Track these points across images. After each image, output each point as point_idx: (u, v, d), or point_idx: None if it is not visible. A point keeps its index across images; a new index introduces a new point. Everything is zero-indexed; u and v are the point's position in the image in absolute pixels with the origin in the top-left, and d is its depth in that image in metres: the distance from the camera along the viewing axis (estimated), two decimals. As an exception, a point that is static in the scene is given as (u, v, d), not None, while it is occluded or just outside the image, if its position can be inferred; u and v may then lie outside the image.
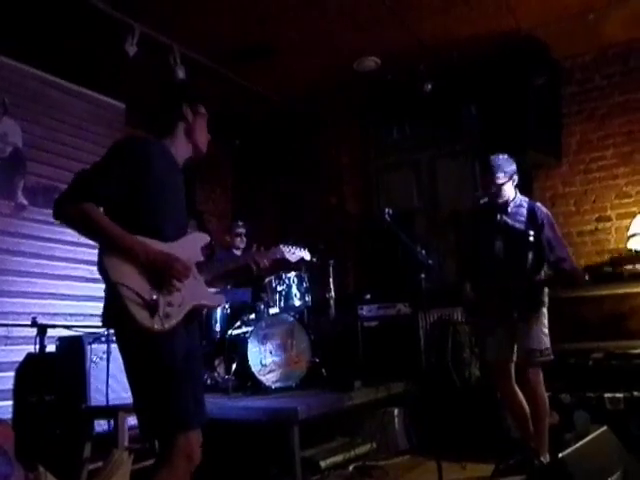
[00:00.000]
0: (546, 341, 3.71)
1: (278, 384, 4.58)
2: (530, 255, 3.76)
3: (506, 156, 3.90)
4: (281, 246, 2.83)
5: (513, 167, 3.87)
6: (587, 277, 3.76)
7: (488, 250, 3.86)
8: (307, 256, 2.99)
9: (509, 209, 3.85)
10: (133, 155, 2.21)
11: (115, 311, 2.08)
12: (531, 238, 3.75)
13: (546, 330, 3.73)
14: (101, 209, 2.15)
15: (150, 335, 2.04)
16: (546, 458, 3.58)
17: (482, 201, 4.03)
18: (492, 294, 3.80)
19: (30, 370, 3.72)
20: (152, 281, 2.10)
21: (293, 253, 2.90)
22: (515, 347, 3.77)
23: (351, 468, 4.24)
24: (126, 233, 2.10)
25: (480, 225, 4.00)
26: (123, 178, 2.15)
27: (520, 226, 3.80)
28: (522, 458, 3.73)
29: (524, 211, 3.84)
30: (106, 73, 5.13)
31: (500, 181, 3.82)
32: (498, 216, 3.85)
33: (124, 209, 2.16)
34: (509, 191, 3.87)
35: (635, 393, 3.86)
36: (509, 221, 3.84)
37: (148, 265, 2.09)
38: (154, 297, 2.06)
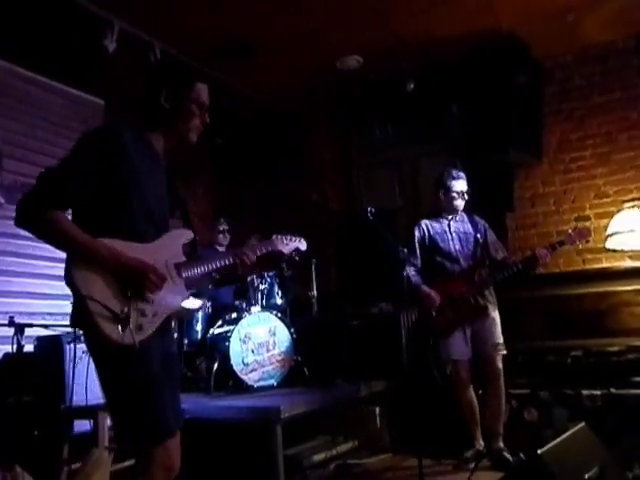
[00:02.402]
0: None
1: (260, 383, 4.57)
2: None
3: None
4: (274, 237, 2.66)
5: None
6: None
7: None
8: (303, 246, 2.77)
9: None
10: (102, 150, 2.02)
11: (84, 322, 1.97)
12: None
13: None
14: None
15: (122, 348, 1.93)
16: (499, 443, 3.91)
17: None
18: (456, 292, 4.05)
19: (7, 370, 3.67)
20: (124, 291, 1.98)
21: (287, 244, 2.70)
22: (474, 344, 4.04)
23: (333, 466, 4.25)
24: (95, 240, 1.96)
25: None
26: (92, 177, 1.99)
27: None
28: (476, 451, 3.98)
29: None
30: (85, 69, 5.04)
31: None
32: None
33: (95, 208, 2.02)
34: None
35: (612, 390, 3.91)
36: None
37: (118, 274, 1.96)
38: (125, 309, 1.95)
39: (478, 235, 4.25)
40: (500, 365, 4.00)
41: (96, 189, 2.00)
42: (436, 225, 4.28)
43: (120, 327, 1.92)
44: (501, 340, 4.03)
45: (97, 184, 2.00)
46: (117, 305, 1.95)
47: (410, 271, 4.09)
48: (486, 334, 4.03)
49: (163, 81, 2.24)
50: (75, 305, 2.00)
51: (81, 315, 1.95)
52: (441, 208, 4.32)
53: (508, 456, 3.82)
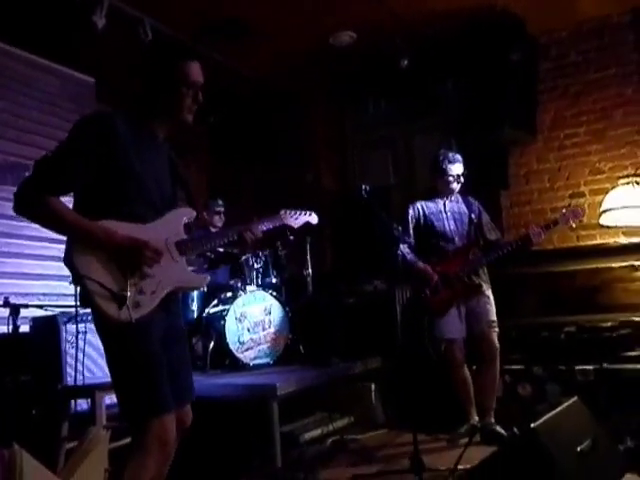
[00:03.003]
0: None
1: (256, 361, 4.60)
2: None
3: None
4: (282, 212, 2.63)
5: None
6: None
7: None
8: (314, 220, 2.73)
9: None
10: (95, 133, 2.06)
11: (86, 301, 2.05)
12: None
13: None
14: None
15: (120, 325, 2.01)
16: (491, 418, 3.97)
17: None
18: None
19: (4, 351, 3.68)
20: (121, 269, 2.04)
21: (296, 218, 2.66)
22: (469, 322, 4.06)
23: (329, 442, 4.29)
24: (91, 223, 2.02)
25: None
26: (88, 162, 2.03)
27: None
28: (471, 426, 4.02)
29: None
30: (74, 46, 4.96)
31: None
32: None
33: (93, 192, 2.07)
34: None
35: (605, 365, 3.95)
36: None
37: (115, 253, 2.03)
38: (122, 287, 2.01)
39: (472, 215, 4.26)
40: (496, 343, 4.03)
41: (93, 174, 2.05)
42: (431, 205, 4.28)
43: (117, 305, 1.99)
44: (495, 318, 4.06)
45: (94, 169, 2.05)
46: (114, 283, 2.02)
47: (404, 249, 4.09)
48: (481, 312, 4.05)
49: (151, 64, 2.26)
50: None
51: (84, 294, 2.03)
52: (436, 190, 4.32)
53: (500, 430, 3.87)
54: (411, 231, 4.24)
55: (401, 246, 4.01)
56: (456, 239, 4.18)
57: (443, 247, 4.16)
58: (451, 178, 4.22)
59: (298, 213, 2.67)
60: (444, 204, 4.28)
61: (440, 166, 4.22)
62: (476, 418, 4.05)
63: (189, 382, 2.34)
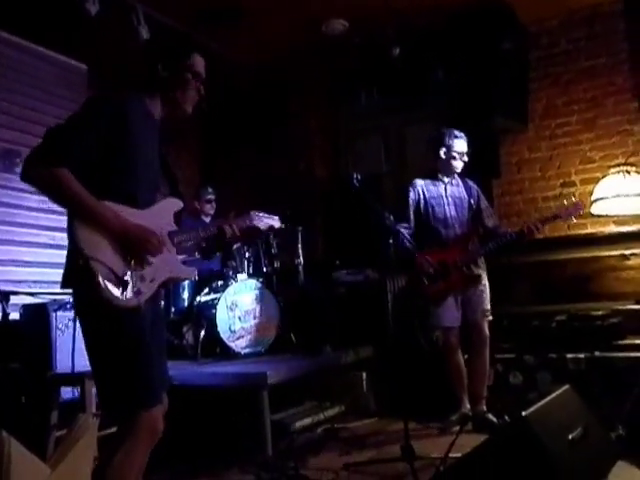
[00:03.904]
0: None
1: (247, 350, 4.60)
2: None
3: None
4: (252, 213, 2.67)
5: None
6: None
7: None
8: (277, 224, 2.80)
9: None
10: (110, 113, 2.06)
11: (84, 282, 1.97)
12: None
13: None
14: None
15: (119, 310, 1.97)
16: (483, 406, 3.98)
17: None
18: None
19: (-6, 338, 3.66)
20: (125, 254, 2.02)
21: (262, 220, 2.72)
22: (464, 311, 4.04)
23: (320, 430, 4.30)
24: (100, 203, 1.98)
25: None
26: (99, 138, 2.02)
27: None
28: (462, 414, 4.02)
29: None
30: (67, 33, 4.92)
31: None
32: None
33: (97, 170, 2.04)
34: None
35: (596, 353, 3.96)
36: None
37: (122, 238, 2.01)
38: (127, 272, 2.00)
39: (472, 201, 4.17)
40: (487, 331, 4.04)
41: (102, 150, 2.03)
42: (432, 188, 4.14)
43: (121, 289, 1.97)
44: (489, 307, 4.06)
45: (103, 146, 2.03)
46: (120, 267, 2.00)
47: (404, 235, 3.89)
48: (477, 301, 4.03)
49: (162, 50, 2.29)
50: (73, 264, 1.99)
51: (82, 275, 1.95)
52: (438, 169, 4.17)
53: (492, 418, 3.88)
54: (411, 215, 4.10)
55: (400, 231, 3.86)
56: (456, 226, 4.08)
57: (442, 234, 4.05)
58: (455, 154, 4.08)
59: (264, 216, 2.74)
60: (445, 188, 4.16)
61: (445, 142, 4.08)
62: (468, 406, 4.06)
63: (166, 369, 2.31)
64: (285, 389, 4.04)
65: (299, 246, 5.25)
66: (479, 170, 5.25)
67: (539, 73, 5.46)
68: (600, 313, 4.28)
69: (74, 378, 3.46)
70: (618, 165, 4.96)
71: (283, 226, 3.12)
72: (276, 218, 2.79)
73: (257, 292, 4.81)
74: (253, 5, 5.06)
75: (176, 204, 2.32)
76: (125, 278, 1.99)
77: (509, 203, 5.54)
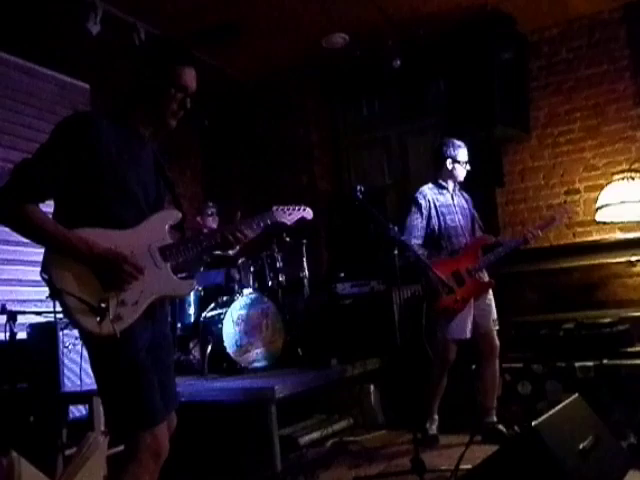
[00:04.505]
0: None
1: (254, 364, 4.58)
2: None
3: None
4: (274, 208, 2.46)
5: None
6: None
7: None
8: (309, 215, 2.54)
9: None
10: (78, 137, 1.98)
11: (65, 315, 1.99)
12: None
13: None
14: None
15: (100, 339, 1.94)
16: (493, 417, 4.00)
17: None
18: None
19: (1, 358, 3.66)
20: (101, 281, 1.96)
21: (289, 214, 2.49)
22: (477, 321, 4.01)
23: (329, 444, 4.28)
24: (69, 233, 1.93)
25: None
26: (69, 167, 1.95)
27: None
28: (431, 435, 4.03)
29: None
30: (69, 53, 4.98)
31: None
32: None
33: (74, 197, 2.00)
34: None
35: (605, 361, 3.94)
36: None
37: (94, 266, 1.94)
38: (102, 300, 1.92)
39: (471, 209, 4.25)
40: (497, 341, 4.04)
41: (74, 178, 1.97)
42: (441, 197, 4.14)
43: (98, 318, 1.91)
44: (496, 316, 4.07)
45: (73, 174, 1.96)
46: (94, 297, 1.93)
47: (418, 249, 3.88)
48: (488, 310, 4.04)
49: (148, 59, 2.18)
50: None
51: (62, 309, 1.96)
52: (443, 178, 4.19)
53: (502, 429, 3.86)
54: (423, 223, 4.04)
55: (413, 242, 3.87)
56: (466, 234, 4.12)
57: (454, 242, 4.05)
58: (463, 165, 4.14)
59: (292, 209, 2.50)
60: (452, 197, 4.19)
61: (450, 153, 4.12)
62: (435, 426, 4.09)
63: (174, 389, 2.27)
64: (293, 403, 4.02)
65: (304, 259, 5.25)
66: (483, 179, 5.27)
67: (540, 82, 5.47)
68: (608, 320, 4.27)
69: (82, 396, 3.47)
70: (622, 172, 4.96)
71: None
72: (307, 209, 2.55)
73: (263, 306, 4.81)
74: (253, 20, 5.09)
75: (171, 216, 2.21)
76: (101, 306, 1.91)
77: (513, 212, 5.54)
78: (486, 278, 4.07)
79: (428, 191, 4.16)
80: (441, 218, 4.08)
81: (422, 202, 4.08)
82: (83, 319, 1.91)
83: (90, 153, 1.98)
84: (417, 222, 4.06)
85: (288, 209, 2.48)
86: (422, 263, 3.75)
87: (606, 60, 5.22)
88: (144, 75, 2.13)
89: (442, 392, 4.11)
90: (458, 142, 4.18)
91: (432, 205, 4.10)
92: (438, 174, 4.23)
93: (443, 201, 4.15)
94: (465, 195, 4.32)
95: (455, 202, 4.19)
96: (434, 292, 3.89)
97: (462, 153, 4.16)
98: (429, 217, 4.08)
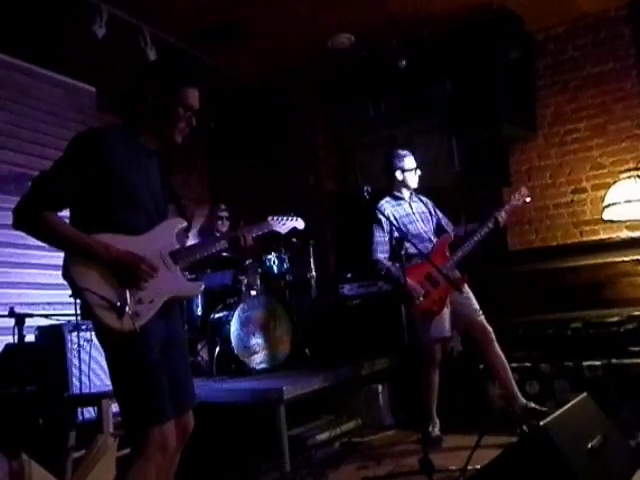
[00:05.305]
0: None
1: (262, 365, 4.59)
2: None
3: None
4: (269, 218, 2.70)
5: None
6: None
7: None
8: (300, 225, 2.81)
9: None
10: (93, 152, 2.14)
11: (87, 313, 2.11)
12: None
13: None
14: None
15: (121, 335, 2.06)
16: (522, 399, 3.93)
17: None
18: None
19: (10, 361, 3.68)
20: (119, 281, 2.11)
21: (284, 224, 2.74)
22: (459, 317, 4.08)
23: (337, 445, 4.28)
24: (88, 238, 2.10)
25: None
26: (84, 179, 2.11)
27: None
28: (436, 436, 4.02)
29: None
30: (75, 56, 4.99)
31: None
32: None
33: (88, 206, 2.16)
34: None
35: (613, 360, 3.93)
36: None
37: (113, 267, 2.10)
38: (121, 298, 2.07)
39: (431, 212, 4.34)
40: (489, 326, 4.04)
41: (89, 189, 2.12)
42: (398, 208, 4.25)
43: (117, 315, 2.04)
44: (478, 306, 4.08)
45: (90, 184, 2.12)
46: (113, 295, 2.08)
47: (386, 262, 4.07)
48: (466, 303, 4.06)
49: (154, 77, 2.31)
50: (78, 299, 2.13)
51: (84, 307, 2.10)
52: (397, 190, 4.31)
53: (537, 406, 3.87)
54: (386, 237, 4.13)
55: (380, 259, 4.07)
56: (430, 237, 4.21)
57: (421, 249, 3.97)
58: (413, 172, 4.26)
59: (285, 219, 2.75)
60: (410, 205, 4.29)
61: (397, 164, 4.26)
62: (437, 427, 4.07)
63: (190, 388, 2.37)
64: (301, 404, 4.03)
65: (311, 260, 5.26)
66: (489, 178, 5.27)
67: (547, 80, 5.46)
68: (615, 319, 4.26)
69: (91, 398, 3.48)
70: (629, 170, 4.95)
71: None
72: (298, 219, 2.80)
73: (270, 307, 4.81)
74: (258, 21, 5.09)
75: (178, 224, 2.38)
76: (119, 304, 2.05)
77: (520, 211, 5.51)
78: (458, 274, 4.11)
79: (386, 205, 4.24)
80: (403, 229, 4.14)
81: (382, 218, 4.12)
82: (104, 315, 2.05)
83: (100, 168, 2.14)
84: (380, 238, 4.15)
85: (282, 219, 2.72)
86: (394, 278, 4.01)
87: (612, 58, 5.20)
88: (152, 94, 2.27)
89: (436, 392, 4.11)
90: (403, 152, 4.31)
91: (392, 219, 4.15)
92: (392, 186, 4.34)
93: (402, 212, 4.24)
94: (423, 199, 4.40)
95: (414, 209, 4.28)
96: (411, 299, 3.95)
97: (409, 161, 4.27)
98: (391, 231, 4.13)
